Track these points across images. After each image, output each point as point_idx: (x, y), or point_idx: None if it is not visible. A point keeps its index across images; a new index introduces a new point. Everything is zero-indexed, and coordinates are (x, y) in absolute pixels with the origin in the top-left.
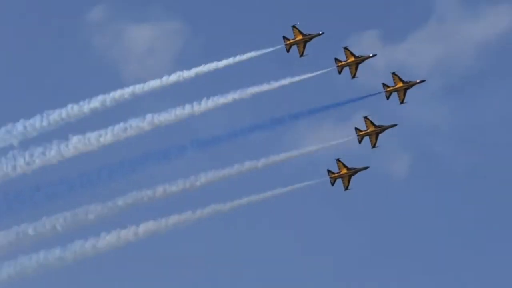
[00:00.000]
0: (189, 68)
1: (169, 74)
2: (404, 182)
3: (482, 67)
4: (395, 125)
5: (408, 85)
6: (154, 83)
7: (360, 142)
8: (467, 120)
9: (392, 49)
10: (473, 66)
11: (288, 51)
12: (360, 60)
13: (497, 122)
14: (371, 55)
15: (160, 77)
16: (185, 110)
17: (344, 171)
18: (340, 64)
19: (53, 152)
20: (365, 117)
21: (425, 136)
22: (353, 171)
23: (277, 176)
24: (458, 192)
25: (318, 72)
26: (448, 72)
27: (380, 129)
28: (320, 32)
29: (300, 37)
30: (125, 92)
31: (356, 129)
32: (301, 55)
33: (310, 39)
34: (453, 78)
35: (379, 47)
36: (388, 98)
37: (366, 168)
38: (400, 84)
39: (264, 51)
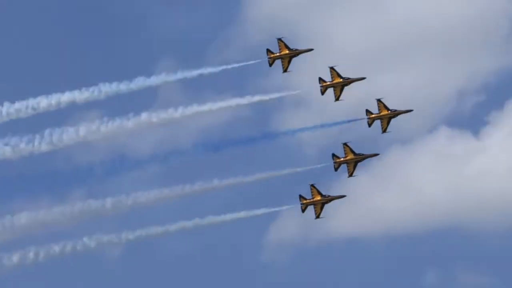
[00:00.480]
0: None
1: None
2: None
3: (204, 154)
4: (377, 154)
5: (394, 114)
6: None
7: (336, 169)
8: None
9: (113, 130)
10: (192, 152)
11: (270, 65)
12: (346, 82)
13: None
14: (352, 78)
15: None
16: None
17: (318, 198)
18: (324, 84)
19: None
20: (345, 144)
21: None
22: (327, 199)
23: None
24: None
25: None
26: (168, 156)
27: (360, 157)
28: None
29: (285, 51)
30: None
31: (333, 155)
32: (285, 70)
33: (297, 54)
34: (173, 163)
35: (99, 125)
36: (370, 125)
37: (342, 196)
38: (385, 112)
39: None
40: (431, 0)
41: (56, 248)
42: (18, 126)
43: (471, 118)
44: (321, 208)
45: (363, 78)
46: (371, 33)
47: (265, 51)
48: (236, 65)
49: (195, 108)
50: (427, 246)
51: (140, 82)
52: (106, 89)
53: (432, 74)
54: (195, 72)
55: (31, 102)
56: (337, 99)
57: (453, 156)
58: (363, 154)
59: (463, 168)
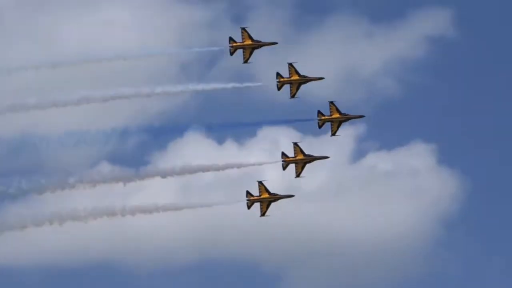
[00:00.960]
0: None
1: None
2: None
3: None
4: (327, 157)
5: (345, 118)
6: None
7: (284, 168)
8: None
9: None
10: None
11: (231, 54)
12: (304, 80)
13: None
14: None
15: None
16: None
17: (265, 195)
18: (281, 80)
19: None
20: (295, 144)
21: None
22: (275, 198)
23: None
24: None
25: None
26: None
27: (309, 159)
28: (271, 42)
29: (248, 41)
30: None
31: (283, 154)
32: (245, 61)
33: (260, 46)
34: None
35: None
36: (320, 127)
37: (290, 196)
38: (336, 115)
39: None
40: (110, 38)
41: None
42: None
43: (133, 156)
44: (267, 207)
45: None
46: (40, 63)
47: None
48: None
49: None
50: (82, 280)
51: None
52: None
53: (89, 115)
54: None
55: None
56: None
57: (113, 191)
58: (312, 156)
59: (122, 204)
